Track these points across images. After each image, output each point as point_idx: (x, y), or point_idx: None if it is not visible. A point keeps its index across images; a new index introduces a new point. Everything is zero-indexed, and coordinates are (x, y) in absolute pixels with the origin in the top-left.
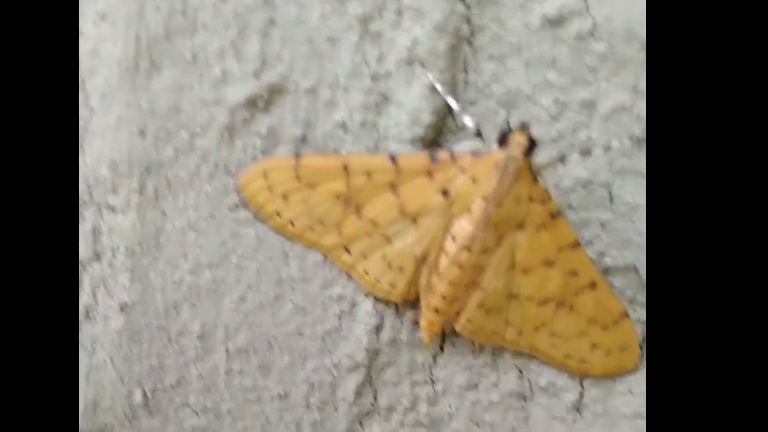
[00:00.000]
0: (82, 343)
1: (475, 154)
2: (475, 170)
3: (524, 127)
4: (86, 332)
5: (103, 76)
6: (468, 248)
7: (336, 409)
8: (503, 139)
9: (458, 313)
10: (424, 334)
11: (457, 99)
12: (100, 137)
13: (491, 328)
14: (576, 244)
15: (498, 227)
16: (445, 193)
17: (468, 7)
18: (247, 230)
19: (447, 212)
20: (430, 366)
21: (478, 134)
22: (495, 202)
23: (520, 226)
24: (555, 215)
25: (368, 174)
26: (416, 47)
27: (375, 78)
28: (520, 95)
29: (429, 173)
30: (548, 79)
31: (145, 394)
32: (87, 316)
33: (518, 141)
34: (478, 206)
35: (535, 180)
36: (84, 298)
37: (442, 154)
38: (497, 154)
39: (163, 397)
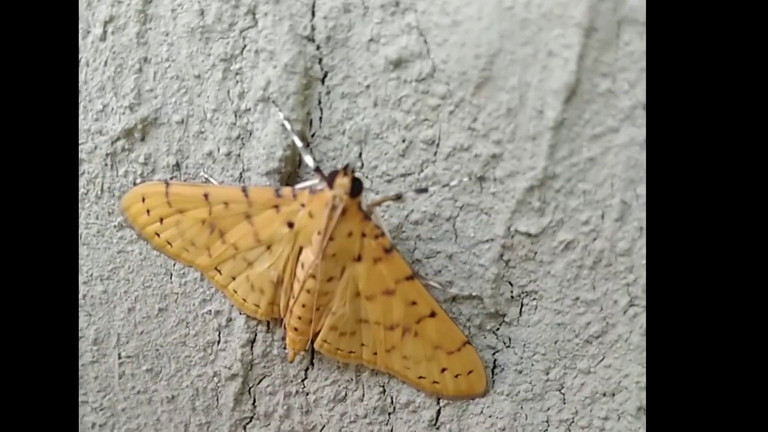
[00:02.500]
0: None
1: (312, 191)
2: (312, 206)
3: (348, 170)
4: None
5: None
6: (313, 276)
7: (220, 414)
8: (331, 180)
9: (318, 334)
10: (289, 351)
11: (313, 134)
12: None
13: (347, 348)
14: (411, 277)
15: (337, 258)
16: (290, 224)
17: (318, 47)
18: (132, 248)
19: (294, 242)
20: (302, 379)
21: (318, 171)
22: (326, 236)
23: (358, 258)
24: (389, 250)
25: (225, 204)
26: (269, 86)
27: (238, 113)
28: (370, 132)
29: (275, 206)
30: (394, 117)
31: None
32: None
33: (341, 183)
34: (315, 239)
35: (366, 218)
36: None
37: (285, 190)
38: (328, 193)
39: None
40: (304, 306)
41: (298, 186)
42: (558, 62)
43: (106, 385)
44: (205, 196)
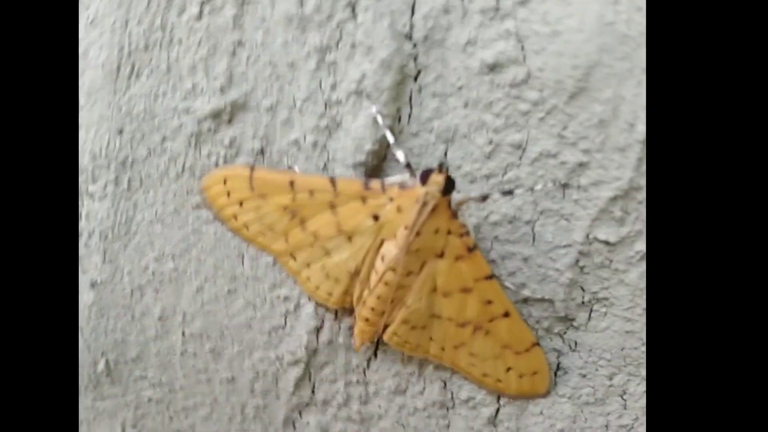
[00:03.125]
0: None
1: (402, 186)
2: (401, 201)
3: (443, 169)
4: None
5: (89, 76)
6: (393, 269)
7: (278, 398)
8: (425, 178)
9: (387, 326)
10: (356, 340)
11: (401, 131)
12: (84, 131)
13: (416, 342)
14: (490, 277)
15: (419, 254)
16: (375, 217)
17: (415, 46)
18: (207, 228)
19: (377, 234)
20: (364, 369)
21: (408, 167)
22: (414, 231)
23: (440, 255)
24: (471, 249)
25: (311, 192)
26: (364, 80)
27: (328, 104)
28: (458, 133)
29: (362, 198)
30: (484, 119)
31: (108, 364)
32: None
33: (436, 180)
34: (401, 234)
35: (453, 216)
36: None
37: (374, 183)
38: (419, 189)
39: (124, 369)
40: (379, 298)
41: (388, 180)
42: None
43: (167, 362)
44: (291, 183)
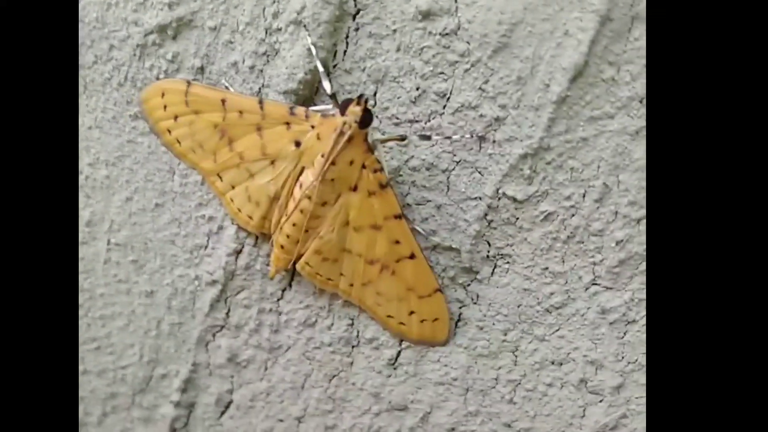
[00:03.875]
0: None
1: (324, 115)
2: (321, 129)
3: (361, 101)
4: None
5: None
6: (309, 197)
7: (193, 317)
8: (344, 108)
9: (301, 255)
10: (271, 267)
11: (334, 65)
12: None
13: (326, 275)
14: (399, 216)
15: (334, 184)
16: (297, 143)
17: None
18: (143, 140)
19: (297, 161)
20: (278, 298)
21: (333, 97)
22: (329, 160)
23: (354, 188)
24: (384, 185)
25: (240, 112)
26: (304, 11)
27: (269, 31)
28: (388, 75)
29: (287, 123)
30: (413, 65)
31: None
32: None
33: (353, 111)
34: (318, 161)
35: (369, 150)
36: None
37: (299, 110)
38: (338, 119)
39: None
40: (294, 225)
41: (312, 108)
42: (571, 42)
43: (90, 269)
44: (223, 101)
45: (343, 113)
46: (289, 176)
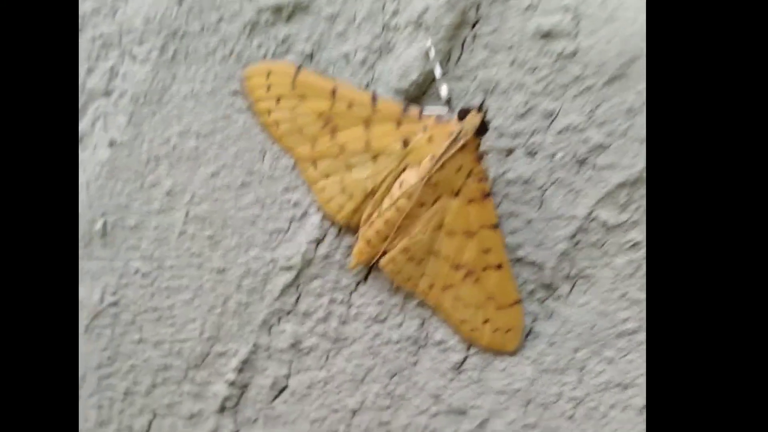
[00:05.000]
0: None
1: (439, 118)
2: (434, 132)
3: (482, 110)
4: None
5: None
6: (409, 196)
7: (262, 299)
8: (462, 115)
9: (385, 252)
10: (353, 260)
11: (446, 72)
12: None
13: (409, 274)
14: (495, 226)
15: (436, 188)
16: (405, 143)
17: None
18: (239, 117)
19: (402, 160)
20: (351, 291)
21: (448, 102)
22: (439, 163)
23: (456, 193)
24: (485, 195)
25: (350, 104)
26: (426, 13)
27: (386, 27)
28: (498, 87)
29: (398, 121)
30: (525, 81)
31: (105, 226)
32: (81, 140)
33: (473, 119)
34: (425, 163)
35: (478, 159)
36: (82, 125)
37: (413, 110)
38: (454, 124)
39: (119, 234)
40: (387, 222)
41: (427, 110)
42: None
43: (163, 238)
44: (333, 91)
45: (460, 119)
46: (389, 173)
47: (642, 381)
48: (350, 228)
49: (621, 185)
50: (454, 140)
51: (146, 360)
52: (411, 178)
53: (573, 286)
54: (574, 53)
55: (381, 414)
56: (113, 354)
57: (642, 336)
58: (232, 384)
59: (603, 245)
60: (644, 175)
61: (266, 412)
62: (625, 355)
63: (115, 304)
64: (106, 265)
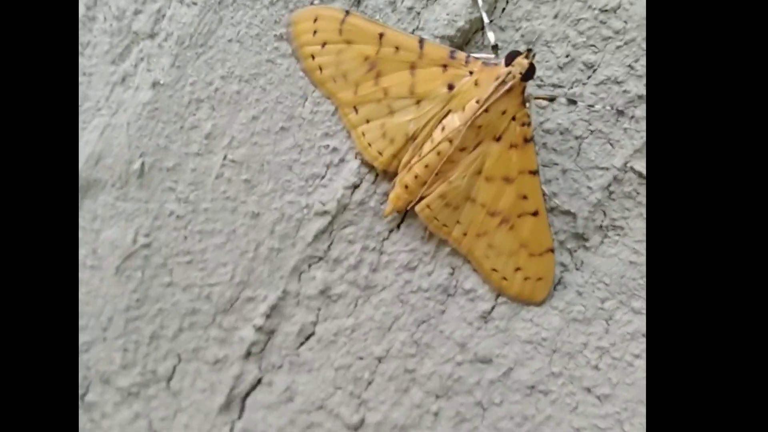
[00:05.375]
0: (108, 102)
1: (485, 63)
2: (480, 76)
3: (529, 55)
4: (116, 94)
5: None
6: (450, 140)
7: (294, 245)
8: (510, 59)
9: (422, 199)
10: (388, 205)
11: (491, 20)
12: None
13: (444, 220)
14: (535, 172)
15: (480, 131)
16: (450, 87)
17: None
18: (282, 61)
19: (446, 104)
20: (384, 238)
21: (495, 48)
22: (484, 106)
23: (497, 138)
24: (528, 140)
25: (397, 48)
26: None
27: None
28: (541, 38)
29: (444, 66)
30: (568, 33)
31: (143, 166)
32: (123, 81)
33: (521, 63)
34: (470, 106)
35: (523, 103)
36: (125, 66)
37: (460, 54)
38: (501, 68)
39: (156, 175)
40: (427, 166)
41: (474, 55)
42: None
43: (200, 181)
44: (381, 35)
45: (507, 64)
46: (432, 117)
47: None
48: (388, 174)
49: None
50: (502, 83)
51: (174, 304)
52: (454, 122)
53: (604, 237)
54: (617, 7)
55: (406, 362)
56: (142, 297)
57: None
58: (259, 329)
59: (637, 196)
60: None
61: (291, 359)
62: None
63: (147, 246)
64: (141, 207)
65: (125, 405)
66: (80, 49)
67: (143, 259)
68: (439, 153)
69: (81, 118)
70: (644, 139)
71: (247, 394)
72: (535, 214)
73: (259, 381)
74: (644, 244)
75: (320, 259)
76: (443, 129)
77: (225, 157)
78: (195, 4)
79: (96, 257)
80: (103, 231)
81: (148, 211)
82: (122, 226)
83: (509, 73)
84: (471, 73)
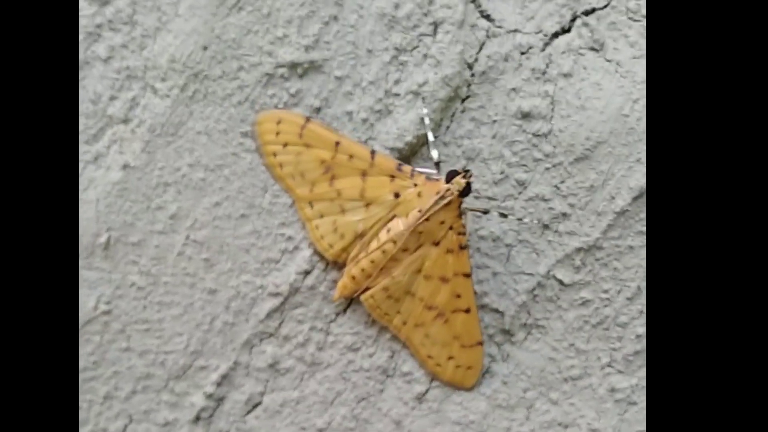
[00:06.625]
0: (80, 179)
1: (429, 177)
2: (423, 189)
3: (467, 175)
4: (88, 172)
5: None
6: (394, 242)
7: (247, 321)
8: (450, 177)
9: (367, 289)
10: (336, 292)
11: (435, 137)
12: (172, 36)
13: (385, 309)
14: (468, 275)
15: (421, 236)
16: (396, 195)
17: (473, 75)
18: (246, 155)
19: (391, 209)
20: (331, 320)
21: (437, 165)
22: (425, 216)
23: (436, 243)
24: (462, 247)
25: (351, 156)
26: (425, 86)
27: (388, 93)
28: (480, 155)
29: (392, 176)
30: (503, 153)
31: (109, 240)
32: (95, 160)
33: (459, 181)
34: (413, 215)
35: (459, 216)
36: (98, 146)
37: (406, 168)
38: (442, 184)
39: (121, 249)
40: (372, 262)
41: (418, 169)
42: (641, 168)
43: (162, 257)
44: (337, 143)
45: (448, 181)
46: (379, 220)
47: (581, 422)
48: (337, 264)
49: (578, 250)
50: (441, 197)
51: (130, 368)
52: (398, 226)
53: (528, 334)
54: (547, 133)
55: None
56: (99, 359)
57: (584, 382)
58: (209, 396)
59: (557, 300)
60: (599, 244)
61: (238, 425)
62: (569, 398)
63: (107, 312)
64: (104, 276)
65: None
66: None
67: (102, 325)
68: (384, 252)
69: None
70: (565, 251)
71: None
72: (467, 311)
73: None
74: (563, 343)
75: (271, 335)
76: (388, 231)
77: (187, 237)
78: (168, 96)
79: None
80: None
81: (111, 280)
82: (85, 293)
83: (448, 189)
84: (415, 185)
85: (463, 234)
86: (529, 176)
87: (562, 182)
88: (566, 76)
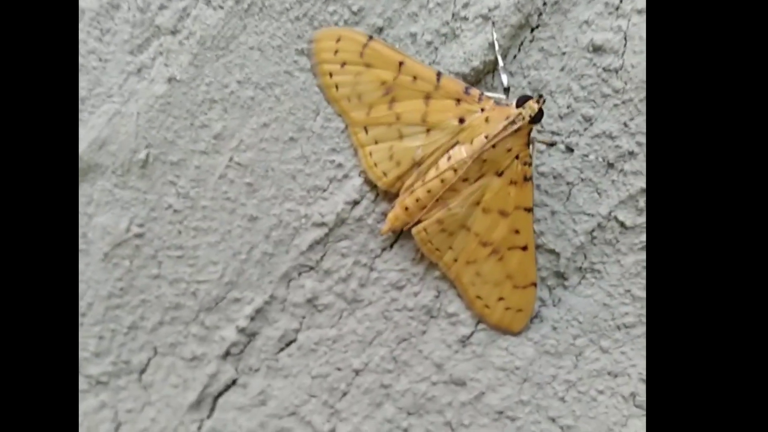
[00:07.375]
0: (120, 90)
1: (497, 102)
2: (491, 114)
3: (540, 100)
4: (130, 84)
5: None
6: (455, 170)
7: (287, 252)
8: (522, 102)
9: (418, 222)
10: (386, 224)
11: (502, 65)
12: None
13: (437, 244)
14: (530, 210)
15: (484, 165)
16: (461, 120)
17: (545, 4)
18: (300, 74)
19: (455, 136)
20: (376, 255)
21: (506, 90)
22: (492, 142)
23: (500, 173)
24: (527, 178)
25: (414, 78)
26: (495, 10)
27: (455, 16)
28: (546, 88)
29: (458, 100)
30: (571, 86)
31: (147, 156)
32: (138, 72)
33: (531, 106)
34: (479, 140)
35: (527, 144)
36: (143, 57)
37: (474, 91)
38: (512, 109)
39: (159, 168)
40: (429, 191)
41: (487, 93)
42: None
43: (202, 179)
44: (401, 63)
45: (518, 106)
46: (440, 146)
47: (632, 371)
48: (388, 195)
49: (643, 191)
50: (512, 122)
51: (159, 296)
52: (460, 153)
53: (582, 278)
54: (619, 68)
55: (383, 377)
56: (126, 286)
57: (638, 330)
58: (241, 331)
59: (616, 243)
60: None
61: (269, 363)
62: (620, 347)
63: (140, 236)
64: (139, 197)
65: (91, 393)
66: (99, 35)
67: (133, 249)
68: (442, 180)
69: (90, 102)
70: (629, 192)
71: (220, 394)
72: (524, 248)
73: (234, 382)
74: (618, 288)
75: (311, 268)
76: (449, 158)
77: (231, 159)
78: (221, 8)
79: (85, 241)
80: (96, 216)
81: (145, 201)
82: (117, 214)
83: (519, 114)
84: (482, 110)
85: (530, 164)
86: (596, 112)
87: (631, 119)
88: (640, 12)
